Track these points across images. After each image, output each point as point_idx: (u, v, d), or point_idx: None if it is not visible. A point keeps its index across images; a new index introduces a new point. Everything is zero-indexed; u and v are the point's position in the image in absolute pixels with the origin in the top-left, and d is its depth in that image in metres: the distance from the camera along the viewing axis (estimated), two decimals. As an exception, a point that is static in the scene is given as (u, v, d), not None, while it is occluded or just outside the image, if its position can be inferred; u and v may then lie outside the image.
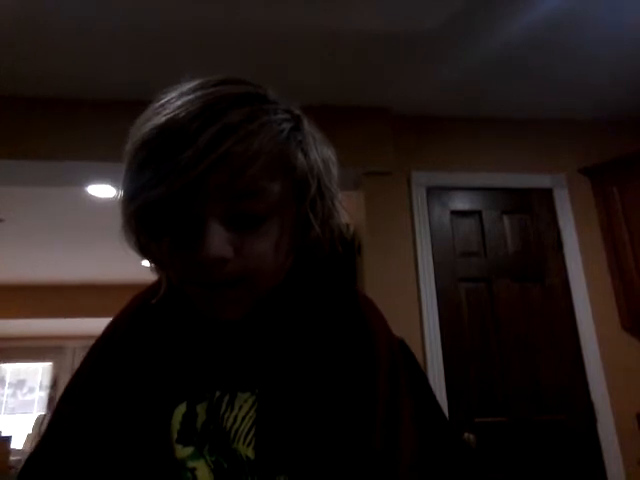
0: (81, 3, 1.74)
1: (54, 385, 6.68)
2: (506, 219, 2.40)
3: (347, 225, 2.45)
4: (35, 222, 3.74)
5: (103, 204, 3.24)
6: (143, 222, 0.45)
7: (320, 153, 0.50)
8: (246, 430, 0.47)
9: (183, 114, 0.42)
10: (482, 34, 1.98)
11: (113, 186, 2.86)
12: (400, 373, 0.51)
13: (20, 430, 5.65)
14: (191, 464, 0.47)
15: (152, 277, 0.57)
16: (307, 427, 0.45)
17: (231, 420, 0.48)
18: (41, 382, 6.92)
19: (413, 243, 2.31)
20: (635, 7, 1.85)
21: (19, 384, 6.99)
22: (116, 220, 0.47)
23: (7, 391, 6.93)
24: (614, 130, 2.57)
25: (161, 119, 0.42)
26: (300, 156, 0.47)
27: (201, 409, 0.49)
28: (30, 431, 5.35)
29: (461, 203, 2.41)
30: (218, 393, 0.49)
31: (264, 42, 1.96)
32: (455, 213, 2.39)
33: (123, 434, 0.47)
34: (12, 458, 3.90)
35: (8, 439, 4.07)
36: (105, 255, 4.51)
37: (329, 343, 0.50)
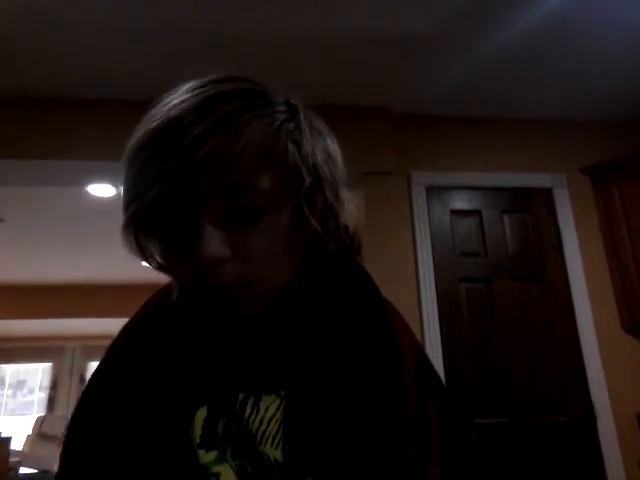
0: (82, 3, 1.74)
1: (54, 386, 6.67)
2: (506, 219, 2.40)
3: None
4: (35, 222, 3.73)
5: (103, 204, 3.24)
6: (141, 227, 0.44)
7: (318, 143, 0.48)
8: (273, 432, 0.46)
9: (176, 114, 0.41)
10: (482, 34, 1.98)
11: (113, 185, 2.86)
12: (425, 379, 0.51)
13: (20, 431, 5.64)
14: (215, 469, 0.46)
15: (152, 277, 0.57)
16: (336, 429, 0.45)
17: (257, 423, 0.47)
18: (41, 383, 6.91)
19: (413, 243, 2.31)
20: (635, 7, 1.85)
21: (19, 385, 6.98)
22: (117, 219, 0.46)
23: (7, 392, 6.92)
24: (614, 130, 2.57)
25: (154, 123, 0.41)
26: (291, 146, 0.45)
27: (221, 412, 0.48)
28: (30, 432, 5.33)
29: (461, 203, 2.41)
30: (242, 396, 0.48)
31: (264, 42, 1.96)
32: (455, 213, 2.39)
33: (144, 440, 0.47)
34: (12, 459, 3.88)
35: (8, 440, 4.04)
36: (105, 255, 4.50)
37: (355, 343, 0.50)
